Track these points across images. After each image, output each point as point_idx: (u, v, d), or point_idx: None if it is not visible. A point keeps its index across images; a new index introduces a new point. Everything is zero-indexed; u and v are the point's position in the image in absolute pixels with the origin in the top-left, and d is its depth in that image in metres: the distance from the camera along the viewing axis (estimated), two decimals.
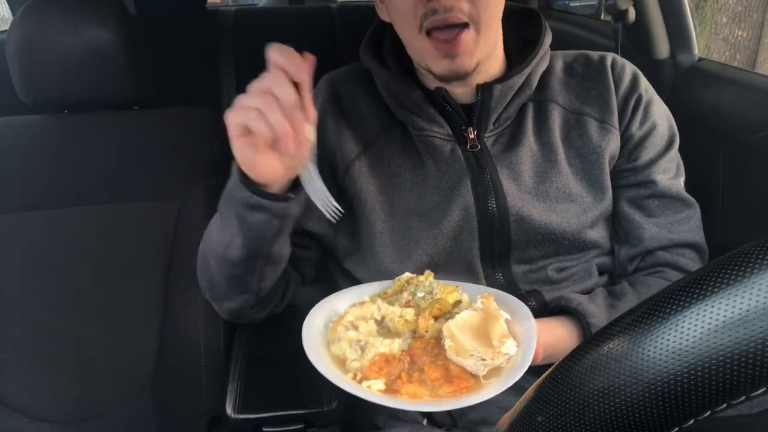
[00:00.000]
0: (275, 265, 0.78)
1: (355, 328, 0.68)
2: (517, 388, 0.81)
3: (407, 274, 0.74)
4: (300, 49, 0.62)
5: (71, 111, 1.14)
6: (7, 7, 1.72)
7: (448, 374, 0.62)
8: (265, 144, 0.64)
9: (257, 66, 0.63)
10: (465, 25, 0.73)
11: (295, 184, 0.71)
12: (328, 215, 0.69)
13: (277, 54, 0.62)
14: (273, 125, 0.61)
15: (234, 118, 0.64)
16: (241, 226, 0.71)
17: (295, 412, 0.74)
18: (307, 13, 2.15)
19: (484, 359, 0.61)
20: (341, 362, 0.65)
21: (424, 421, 0.81)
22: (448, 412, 0.79)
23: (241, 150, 0.66)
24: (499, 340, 0.62)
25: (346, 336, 0.66)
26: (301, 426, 0.74)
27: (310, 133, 0.65)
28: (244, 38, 1.95)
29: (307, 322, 0.69)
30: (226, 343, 0.98)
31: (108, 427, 1.01)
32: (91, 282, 1.06)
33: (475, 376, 0.61)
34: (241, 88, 0.63)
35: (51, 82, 1.06)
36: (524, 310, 0.69)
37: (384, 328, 0.69)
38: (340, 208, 0.70)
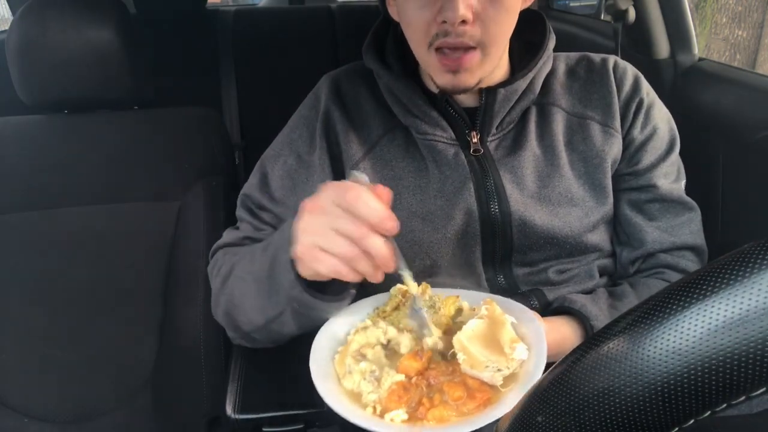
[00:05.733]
0: None
1: (364, 356, 0.66)
2: None
3: (400, 287, 0.72)
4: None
5: (71, 111, 1.14)
6: (7, 7, 1.72)
7: (468, 389, 0.60)
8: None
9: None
10: (472, 48, 0.73)
11: None
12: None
13: (359, 202, 0.58)
14: (362, 273, 0.60)
15: (317, 265, 0.60)
16: (297, 318, 0.69)
17: (295, 412, 0.73)
18: (307, 13, 2.14)
19: (500, 369, 0.59)
20: (357, 396, 0.63)
21: None
22: None
23: (309, 274, 0.63)
24: (509, 346, 0.60)
25: (358, 368, 0.64)
26: (301, 426, 0.73)
27: (409, 280, 0.66)
28: (244, 38, 1.94)
29: (313, 355, 0.67)
30: (226, 343, 0.98)
31: (108, 427, 1.01)
32: (91, 282, 1.06)
33: (492, 386, 0.60)
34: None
35: (51, 82, 1.06)
36: (528, 313, 0.68)
37: (390, 351, 0.67)
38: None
